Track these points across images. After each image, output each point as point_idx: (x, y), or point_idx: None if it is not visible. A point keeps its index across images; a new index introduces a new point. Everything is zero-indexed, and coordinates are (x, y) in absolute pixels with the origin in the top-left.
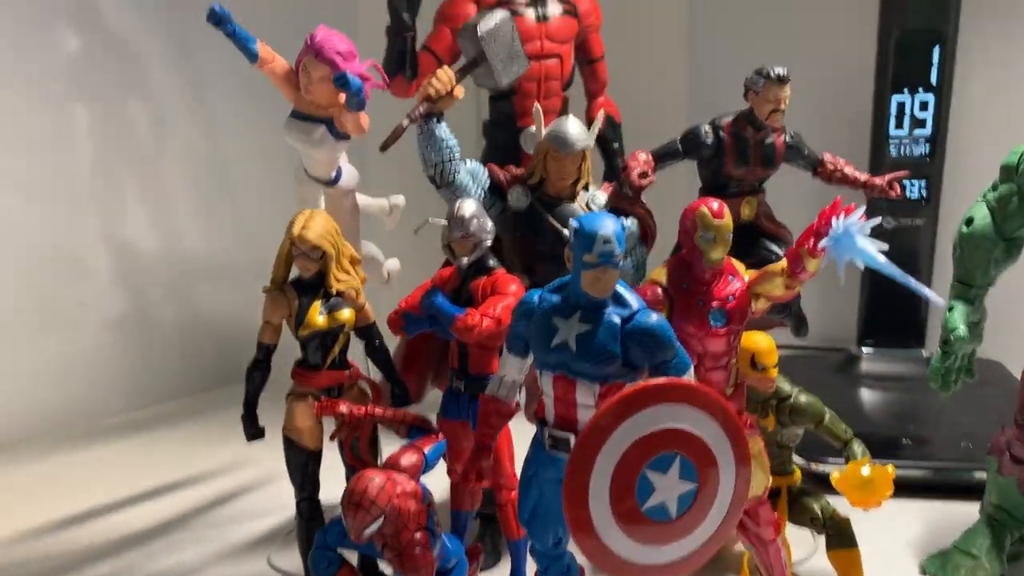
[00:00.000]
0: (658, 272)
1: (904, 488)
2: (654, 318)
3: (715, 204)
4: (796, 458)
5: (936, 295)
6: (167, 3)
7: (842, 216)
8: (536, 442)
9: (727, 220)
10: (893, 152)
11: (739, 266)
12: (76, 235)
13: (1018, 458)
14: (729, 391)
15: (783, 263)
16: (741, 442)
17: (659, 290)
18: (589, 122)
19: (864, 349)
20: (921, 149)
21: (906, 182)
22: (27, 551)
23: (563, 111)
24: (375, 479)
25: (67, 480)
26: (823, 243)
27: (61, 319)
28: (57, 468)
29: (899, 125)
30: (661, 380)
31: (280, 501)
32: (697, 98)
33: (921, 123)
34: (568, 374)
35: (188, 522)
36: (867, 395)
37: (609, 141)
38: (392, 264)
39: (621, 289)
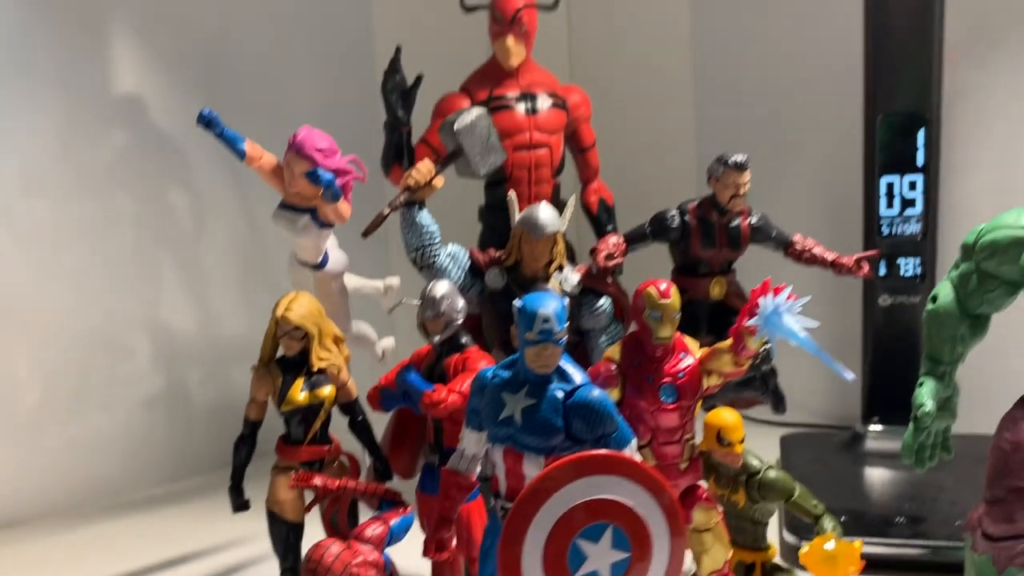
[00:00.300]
0: (612, 349)
1: (897, 566)
2: (595, 393)
3: (662, 284)
4: (788, 536)
5: (851, 372)
6: (207, 97)
7: (770, 296)
8: (491, 514)
9: (673, 300)
10: (885, 231)
11: (691, 344)
12: (118, 317)
13: (990, 535)
14: (683, 465)
15: (729, 341)
16: (674, 514)
17: (613, 366)
18: (585, 207)
19: (869, 427)
20: (913, 228)
21: (900, 260)
22: None
23: (554, 196)
24: (332, 548)
25: (94, 552)
26: (752, 322)
27: (98, 397)
28: (85, 541)
29: (890, 205)
30: (592, 452)
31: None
32: (702, 171)
33: (911, 202)
34: (516, 447)
35: None
36: (871, 473)
37: (603, 223)
38: (387, 342)
39: (566, 365)
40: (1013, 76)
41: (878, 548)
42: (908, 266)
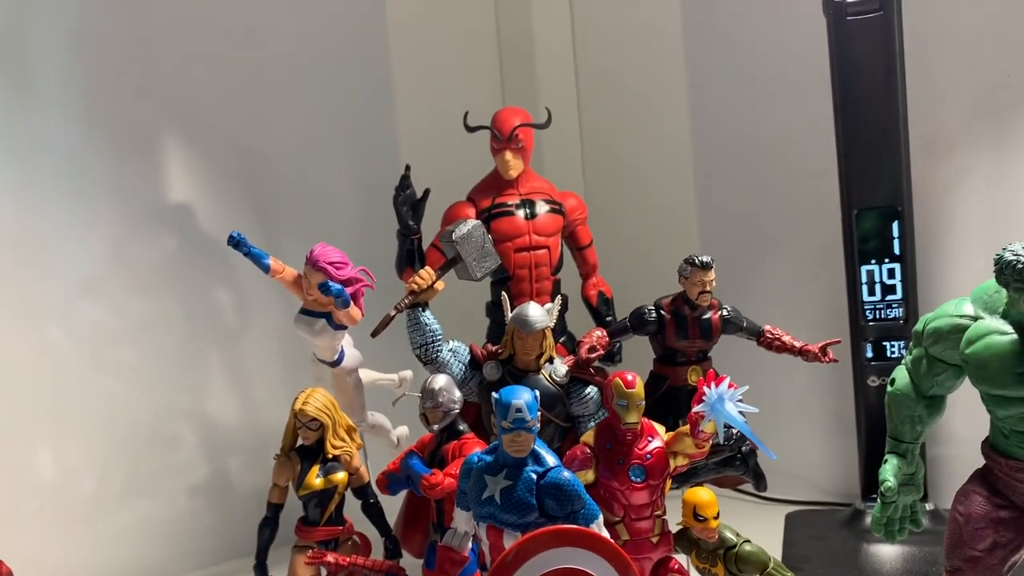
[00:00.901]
0: (587, 435)
1: None
2: (565, 475)
3: (629, 376)
4: None
5: (773, 453)
6: (248, 204)
7: (713, 385)
8: None
9: (638, 389)
10: (870, 316)
11: (659, 428)
12: (166, 410)
13: None
14: (655, 539)
15: (688, 426)
16: None
17: (587, 450)
18: (584, 300)
19: (868, 503)
20: (895, 312)
21: (886, 343)
22: None
23: (555, 291)
24: None
25: None
26: (699, 408)
27: (146, 486)
28: None
29: (871, 292)
30: (560, 526)
31: None
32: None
33: (891, 288)
34: (496, 524)
35: None
36: (868, 549)
37: (602, 315)
38: (401, 431)
39: (540, 449)
40: (985, 166)
41: None
42: (894, 349)
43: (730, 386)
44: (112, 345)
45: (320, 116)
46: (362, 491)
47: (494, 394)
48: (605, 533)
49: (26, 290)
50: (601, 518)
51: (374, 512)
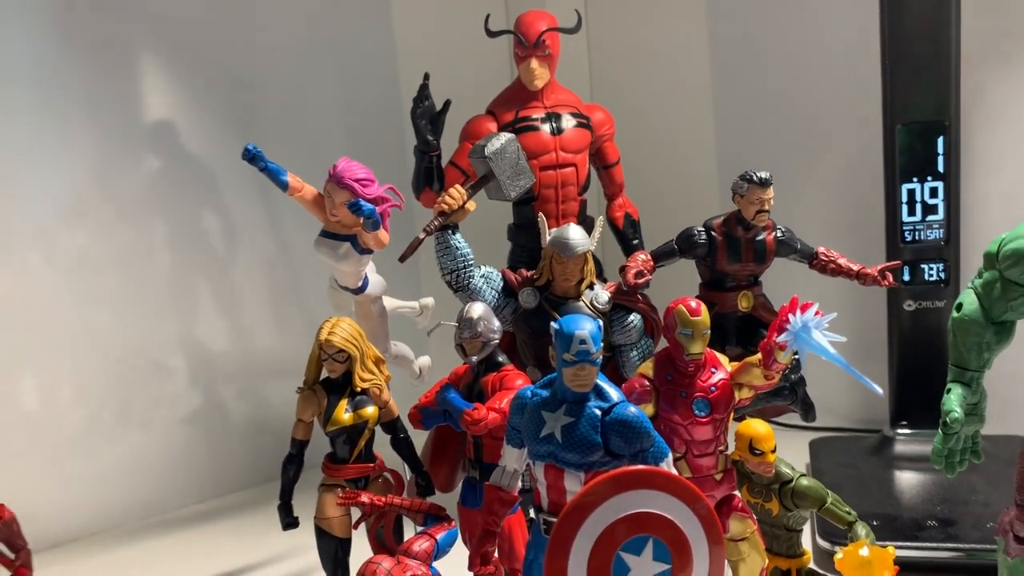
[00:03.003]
0: (645, 366)
1: (929, 570)
2: (632, 410)
3: (692, 303)
4: (822, 542)
5: (877, 386)
6: (239, 122)
7: (799, 312)
8: (535, 527)
9: (703, 317)
10: (908, 238)
11: (722, 359)
12: (154, 340)
13: (1021, 538)
14: (719, 476)
15: (758, 356)
16: (712, 523)
17: (646, 383)
18: (610, 222)
19: (897, 431)
20: (936, 234)
21: (924, 266)
22: None
23: (581, 213)
24: (383, 564)
25: (137, 569)
26: (783, 337)
27: (138, 418)
28: (127, 559)
29: (911, 212)
30: (634, 467)
31: None
32: (725, 188)
33: (933, 209)
34: (556, 463)
35: None
36: (899, 476)
37: (629, 238)
38: (424, 361)
39: (602, 383)
40: None
41: (910, 552)
42: (932, 271)
43: (817, 313)
44: (96, 273)
45: (309, 28)
46: (391, 426)
47: (554, 324)
48: (674, 471)
49: (3, 217)
50: (671, 456)
51: (405, 447)
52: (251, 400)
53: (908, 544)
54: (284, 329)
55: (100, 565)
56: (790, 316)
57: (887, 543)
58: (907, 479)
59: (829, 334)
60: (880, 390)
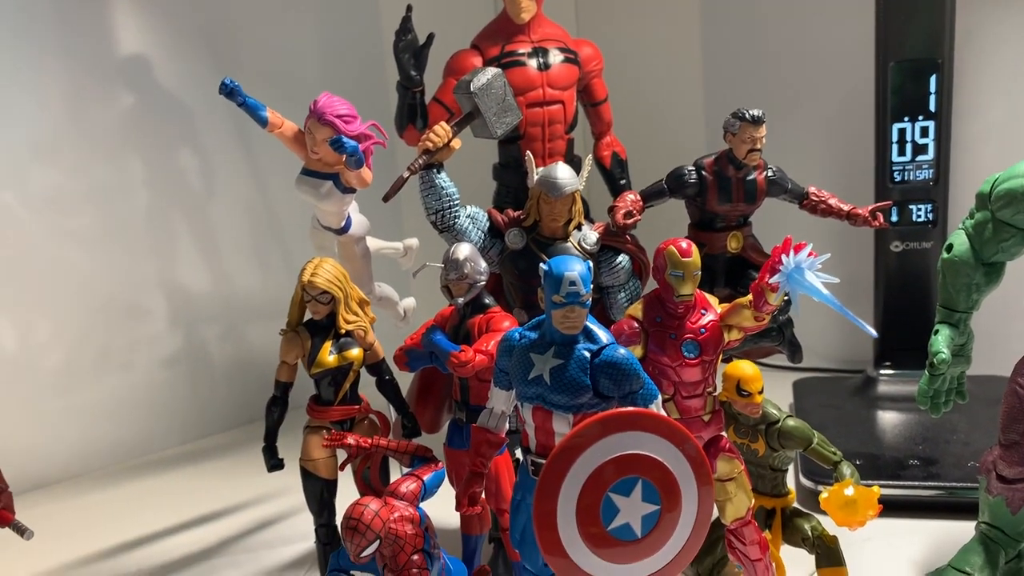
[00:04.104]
0: (634, 308)
1: (911, 508)
2: (621, 352)
3: (683, 243)
4: (805, 480)
5: (871, 328)
6: (214, 58)
7: (792, 253)
8: (523, 468)
9: (694, 258)
10: (897, 178)
11: (712, 300)
12: (133, 280)
13: (1004, 477)
14: (707, 417)
15: (749, 297)
16: (703, 466)
17: (635, 324)
18: (598, 162)
19: (881, 371)
20: (925, 174)
21: (912, 206)
22: None
23: (568, 152)
24: (371, 505)
25: (116, 512)
26: (775, 279)
27: (118, 359)
28: (107, 501)
29: (901, 152)
30: (623, 409)
31: (310, 528)
32: (712, 126)
33: (923, 149)
34: (545, 405)
35: (227, 548)
36: (882, 416)
37: (616, 178)
38: (408, 303)
39: (592, 325)
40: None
41: (893, 490)
42: (920, 212)
43: (810, 254)
44: (71, 211)
45: None
46: (376, 368)
47: (543, 265)
48: (663, 413)
49: None
50: (660, 398)
51: (390, 389)
52: (232, 341)
53: (891, 483)
54: (264, 269)
55: (82, 507)
56: (783, 257)
57: (870, 482)
58: (890, 419)
59: (822, 275)
60: (874, 332)
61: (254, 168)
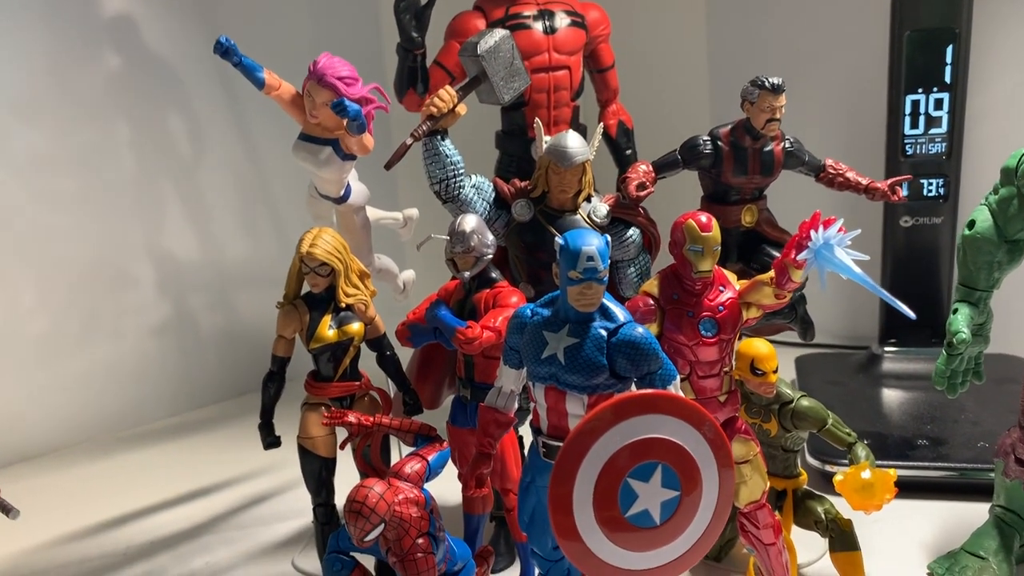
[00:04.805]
0: (650, 284)
1: (919, 489)
2: (639, 331)
3: (703, 217)
4: (812, 460)
5: (908, 309)
6: (202, 19)
7: (821, 229)
8: (533, 450)
9: (714, 233)
10: (909, 151)
11: (730, 276)
12: (120, 246)
13: (1022, 461)
14: (723, 398)
15: (771, 273)
16: (724, 449)
17: (651, 301)
18: (603, 130)
19: (886, 348)
20: (938, 148)
21: (924, 181)
22: (65, 554)
23: (574, 120)
24: (375, 487)
25: (106, 485)
26: (803, 255)
27: (105, 328)
28: (97, 473)
29: (915, 124)
30: (642, 391)
31: (305, 504)
32: (716, 99)
33: (937, 122)
34: (558, 385)
35: (218, 525)
36: (888, 394)
37: (622, 148)
38: (408, 275)
39: (608, 303)
40: None
41: (902, 471)
42: (931, 187)
43: (840, 230)
44: (55, 175)
45: None
46: (377, 343)
47: (559, 239)
48: (681, 394)
49: None
50: (678, 379)
51: (391, 365)
52: (223, 310)
53: (900, 463)
54: (255, 237)
55: (67, 481)
56: (811, 232)
57: (886, 463)
58: (895, 397)
59: (853, 252)
60: (912, 313)
61: (244, 132)
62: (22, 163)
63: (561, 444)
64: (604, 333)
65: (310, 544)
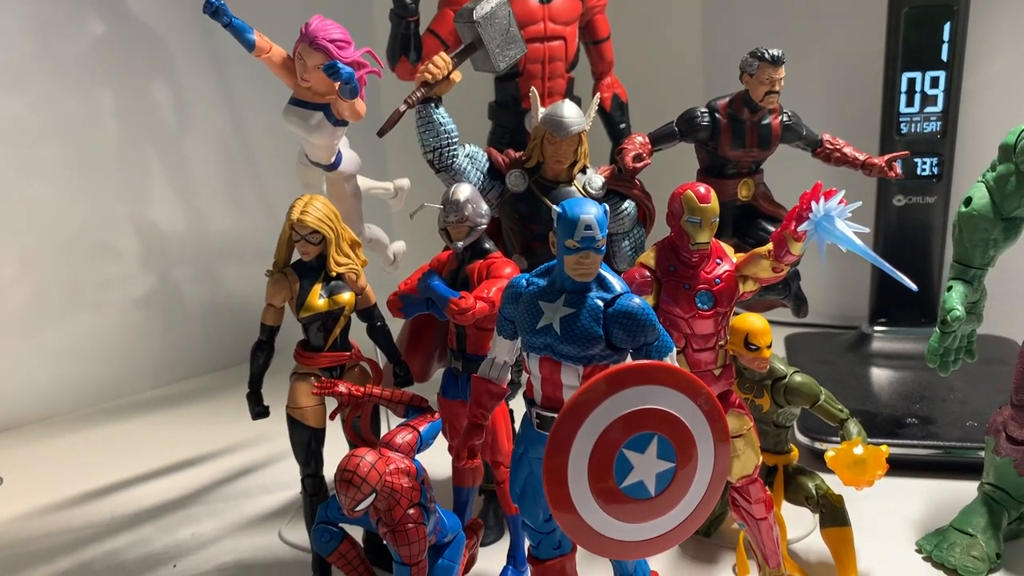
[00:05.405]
0: (646, 255)
1: (908, 467)
2: (636, 301)
3: (701, 188)
4: (800, 436)
5: (910, 281)
6: None
7: (822, 200)
8: (526, 421)
9: (713, 204)
10: (904, 129)
11: (728, 249)
12: (103, 217)
13: (1014, 438)
14: (717, 371)
15: (769, 246)
16: (720, 422)
17: (647, 273)
18: (596, 94)
19: (876, 327)
20: (932, 126)
21: (917, 160)
22: (48, 524)
23: (568, 92)
24: (367, 457)
25: (91, 456)
26: (804, 227)
27: (88, 299)
28: (81, 444)
29: (910, 103)
30: (639, 362)
31: (292, 476)
32: (710, 74)
33: (932, 100)
34: (553, 356)
35: (205, 496)
36: (877, 373)
37: (616, 122)
38: (398, 246)
39: (605, 273)
40: None
41: (891, 449)
42: (925, 166)
43: (841, 202)
44: (37, 144)
45: None
46: (368, 313)
47: (556, 208)
48: (677, 366)
49: None
50: (675, 351)
51: (382, 336)
52: (207, 282)
53: (889, 441)
54: (240, 208)
55: (54, 451)
56: (812, 204)
57: (869, 441)
58: (885, 376)
59: (853, 224)
60: (914, 285)
61: (231, 102)
62: (3, 132)
63: (555, 415)
64: (600, 303)
65: (297, 516)
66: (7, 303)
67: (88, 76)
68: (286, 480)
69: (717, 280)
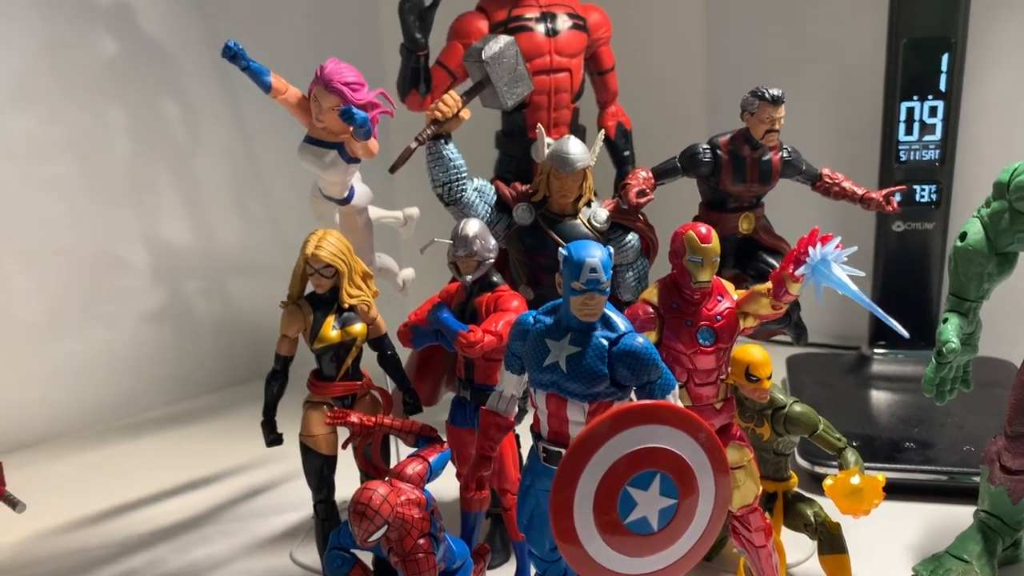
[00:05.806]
0: (649, 292)
1: (905, 491)
2: (639, 341)
3: (703, 229)
4: (801, 461)
5: (902, 328)
6: (199, 4)
7: (819, 245)
8: (533, 454)
9: (714, 244)
10: (903, 157)
11: (728, 286)
12: (113, 233)
13: (1008, 468)
14: (719, 405)
15: (768, 284)
16: (718, 454)
17: (650, 309)
18: (602, 130)
19: (876, 350)
20: (931, 154)
21: (916, 187)
22: (64, 543)
23: (574, 122)
24: (379, 490)
25: (104, 474)
26: (801, 270)
27: (98, 316)
28: (95, 462)
29: (909, 131)
30: (642, 402)
31: (303, 496)
32: (712, 105)
33: (931, 128)
34: (560, 392)
35: (218, 516)
36: (876, 396)
37: (620, 149)
38: (407, 273)
39: (610, 312)
40: None
41: (889, 473)
42: (924, 193)
43: (837, 246)
44: (49, 160)
45: None
46: (379, 343)
47: (562, 250)
48: (680, 404)
49: None
50: (677, 389)
51: (392, 364)
52: (218, 299)
53: (887, 466)
54: (251, 224)
55: (67, 469)
56: (809, 248)
57: (874, 466)
58: (884, 399)
59: (848, 268)
60: (905, 333)
61: (240, 119)
62: (15, 148)
63: (561, 450)
64: (605, 343)
65: (308, 537)
66: (19, 320)
67: (100, 92)
68: (296, 500)
69: (718, 317)
